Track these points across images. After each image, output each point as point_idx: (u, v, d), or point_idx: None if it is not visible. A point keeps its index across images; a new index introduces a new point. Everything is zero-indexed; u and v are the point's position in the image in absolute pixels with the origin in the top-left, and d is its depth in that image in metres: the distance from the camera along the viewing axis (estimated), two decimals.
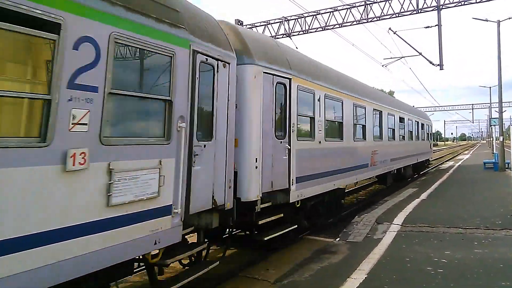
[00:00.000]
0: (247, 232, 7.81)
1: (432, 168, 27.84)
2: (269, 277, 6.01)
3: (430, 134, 25.94)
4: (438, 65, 20.14)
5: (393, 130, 15.06)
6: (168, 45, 4.44)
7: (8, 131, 3.16)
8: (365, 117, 11.58)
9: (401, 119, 16.45)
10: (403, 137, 16.79)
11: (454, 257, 6.36)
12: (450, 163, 31.86)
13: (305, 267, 6.22)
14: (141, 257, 4.38)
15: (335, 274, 5.78)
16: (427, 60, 21.19)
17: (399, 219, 9.28)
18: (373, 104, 12.39)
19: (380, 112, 13.21)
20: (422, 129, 21.69)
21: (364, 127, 11.46)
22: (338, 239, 7.95)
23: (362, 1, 20.69)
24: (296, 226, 7.63)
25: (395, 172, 15.56)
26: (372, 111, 12.23)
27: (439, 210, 10.30)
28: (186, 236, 5.26)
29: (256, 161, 6.18)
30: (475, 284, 5.24)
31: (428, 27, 19.86)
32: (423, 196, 12.89)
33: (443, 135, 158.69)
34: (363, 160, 11.30)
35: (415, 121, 19.75)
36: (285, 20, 22.55)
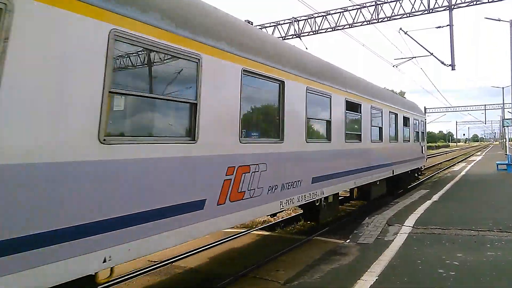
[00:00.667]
0: None
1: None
2: (279, 278, 6.03)
3: (424, 133, 19.01)
4: (450, 65, 19.91)
5: (329, 123, 8.46)
6: None
7: None
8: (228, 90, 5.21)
9: (354, 106, 9.96)
10: (359, 136, 10.23)
11: (467, 260, 6.29)
12: (462, 164, 31.45)
13: (316, 268, 6.21)
14: None
15: (345, 276, 5.76)
16: (439, 60, 20.98)
17: (410, 220, 9.20)
18: (272, 70, 6.15)
19: (296, 85, 6.93)
20: (406, 125, 15.11)
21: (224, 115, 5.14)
22: (348, 240, 7.91)
23: (372, 1, 20.56)
24: None
25: (328, 201, 8.71)
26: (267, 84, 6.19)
27: (451, 212, 10.17)
28: None
29: None
30: (488, 287, 5.18)
31: (439, 27, 19.67)
32: (435, 197, 12.75)
33: (455, 136, 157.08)
34: (180, 195, 4.34)
35: (391, 112, 13.04)
36: (294, 21, 22.54)
